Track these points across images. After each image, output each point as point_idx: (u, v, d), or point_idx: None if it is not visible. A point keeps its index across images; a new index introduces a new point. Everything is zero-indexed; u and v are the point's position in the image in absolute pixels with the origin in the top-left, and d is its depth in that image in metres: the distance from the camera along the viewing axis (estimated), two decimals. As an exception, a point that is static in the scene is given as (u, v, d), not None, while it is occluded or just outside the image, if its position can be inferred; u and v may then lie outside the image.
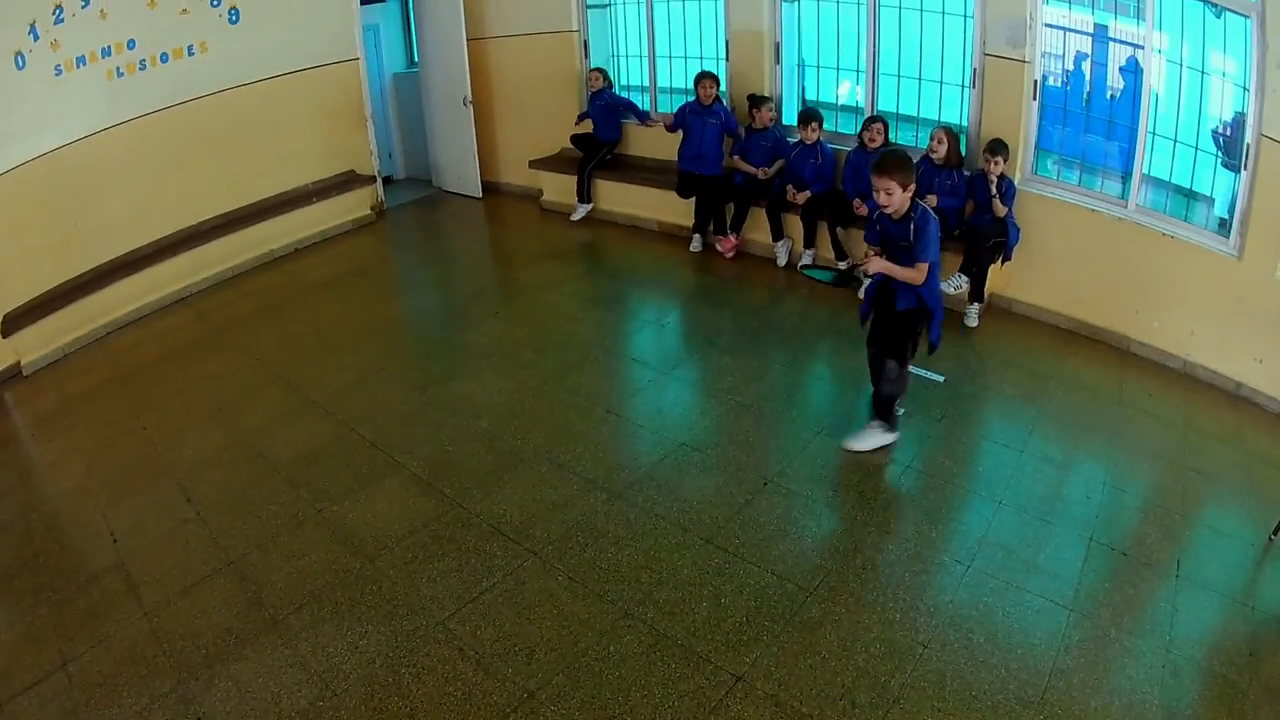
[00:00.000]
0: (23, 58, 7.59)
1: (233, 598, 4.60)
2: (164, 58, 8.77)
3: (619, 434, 6.00)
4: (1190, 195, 7.12)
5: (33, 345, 7.73)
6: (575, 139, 10.41)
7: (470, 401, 6.39)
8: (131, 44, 8.46)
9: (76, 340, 8.04)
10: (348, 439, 6.00)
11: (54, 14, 7.76)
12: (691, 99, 9.17)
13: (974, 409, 6.32)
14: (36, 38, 7.67)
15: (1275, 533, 4.86)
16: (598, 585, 4.44)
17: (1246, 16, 6.14)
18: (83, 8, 7.98)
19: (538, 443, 5.77)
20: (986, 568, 4.55)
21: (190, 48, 8.98)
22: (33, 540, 5.36)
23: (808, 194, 8.36)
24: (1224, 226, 6.78)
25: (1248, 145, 6.31)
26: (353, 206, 10.70)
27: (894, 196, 5.13)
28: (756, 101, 8.76)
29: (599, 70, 10.20)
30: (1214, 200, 6.91)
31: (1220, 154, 7.01)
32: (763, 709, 3.69)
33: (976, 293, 7.51)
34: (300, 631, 4.30)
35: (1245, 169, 6.34)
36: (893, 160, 5.20)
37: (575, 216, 10.33)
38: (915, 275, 5.23)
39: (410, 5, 12.10)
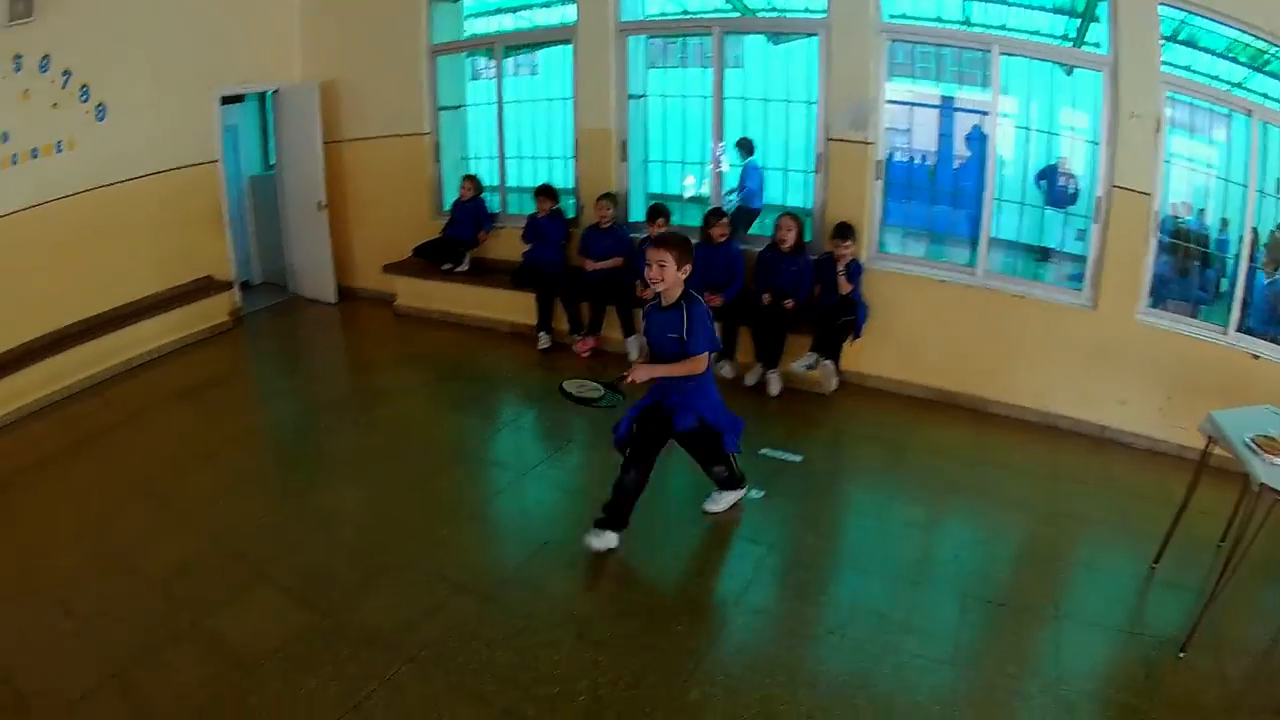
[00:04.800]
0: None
1: (114, 714, 4.45)
2: (35, 153, 8.52)
3: (483, 537, 6.02)
4: (1041, 252, 7.45)
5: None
6: (420, 249, 10.38)
7: (335, 511, 6.31)
8: (5, 137, 8.22)
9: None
10: (217, 551, 5.86)
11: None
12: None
13: (834, 484, 6.54)
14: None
15: (1156, 561, 5.12)
16: (476, 686, 4.38)
17: (1099, 71, 6.54)
18: (-42, 95, 7.76)
19: (404, 550, 5.72)
20: (861, 635, 4.66)
21: (59, 144, 8.73)
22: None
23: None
24: (1045, 256, 7.12)
25: (1099, 198, 6.71)
26: (210, 313, 10.45)
27: (666, 270, 5.07)
28: (602, 200, 8.92)
29: (470, 179, 10.24)
30: (1061, 252, 7.28)
31: (1043, 194, 7.39)
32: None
33: (835, 362, 7.65)
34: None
35: (1096, 221, 6.74)
36: (674, 236, 5.24)
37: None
38: (694, 365, 5.14)
39: (268, 107, 11.98)
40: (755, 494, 6.08)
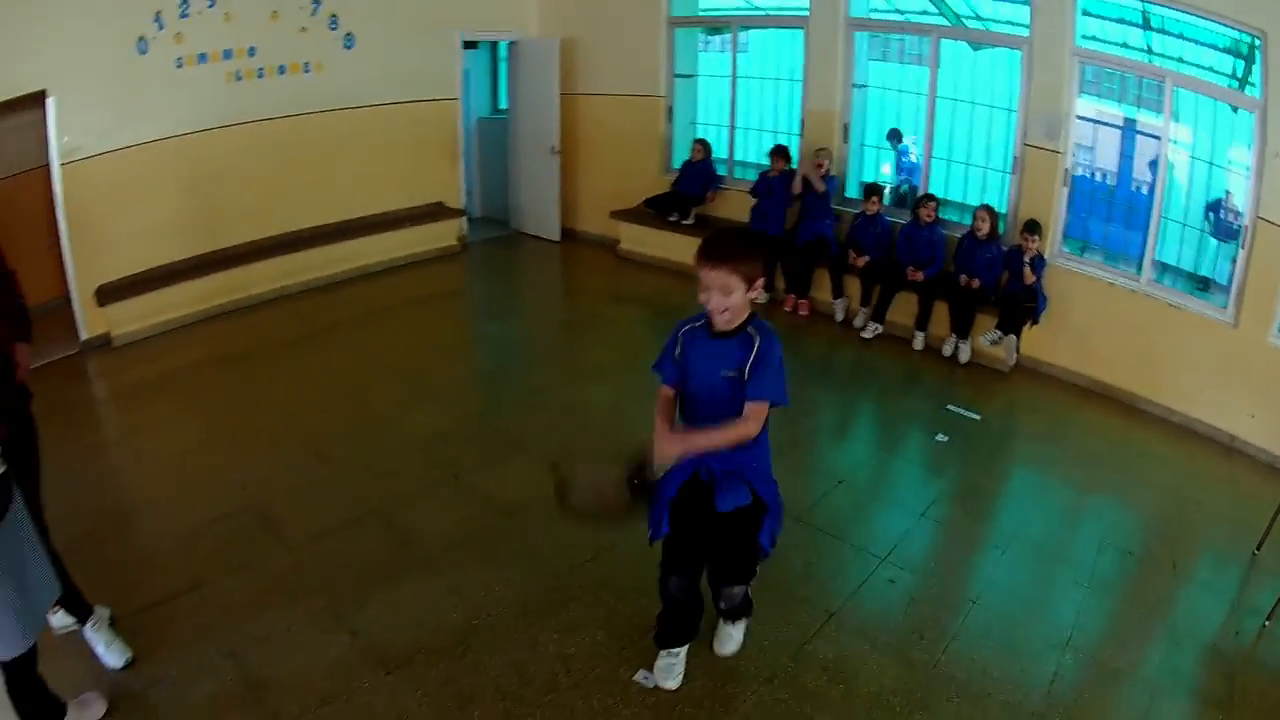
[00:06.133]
0: (145, 43, 8.17)
1: (379, 540, 5.10)
2: (281, 70, 9.49)
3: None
4: (1199, 281, 8.10)
5: (126, 319, 8.20)
6: (651, 201, 11.17)
7: (583, 403, 7.13)
8: (252, 51, 9.13)
9: (170, 321, 8.52)
10: (470, 425, 6.68)
11: (180, 6, 8.37)
12: (765, 168, 10.13)
13: (1005, 441, 7.35)
14: (161, 27, 8.26)
15: (1258, 548, 5.83)
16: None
17: (1252, 112, 7.14)
18: (209, 7, 8.61)
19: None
20: (1020, 554, 5.55)
21: (307, 65, 9.74)
22: (146, 483, 5.77)
23: (866, 259, 9.23)
24: (1205, 285, 7.81)
25: (1245, 226, 7.26)
26: (440, 236, 11.42)
27: (732, 299, 3.40)
28: (821, 151, 9.69)
29: (701, 142, 10.96)
30: (1217, 283, 7.85)
31: (1209, 225, 8.02)
32: (852, 636, 4.62)
33: (1016, 339, 8.47)
34: (450, 569, 4.84)
35: (1243, 247, 7.28)
36: (739, 245, 3.44)
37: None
38: (748, 427, 3.45)
39: (501, 55, 12.93)
40: (941, 438, 6.99)
